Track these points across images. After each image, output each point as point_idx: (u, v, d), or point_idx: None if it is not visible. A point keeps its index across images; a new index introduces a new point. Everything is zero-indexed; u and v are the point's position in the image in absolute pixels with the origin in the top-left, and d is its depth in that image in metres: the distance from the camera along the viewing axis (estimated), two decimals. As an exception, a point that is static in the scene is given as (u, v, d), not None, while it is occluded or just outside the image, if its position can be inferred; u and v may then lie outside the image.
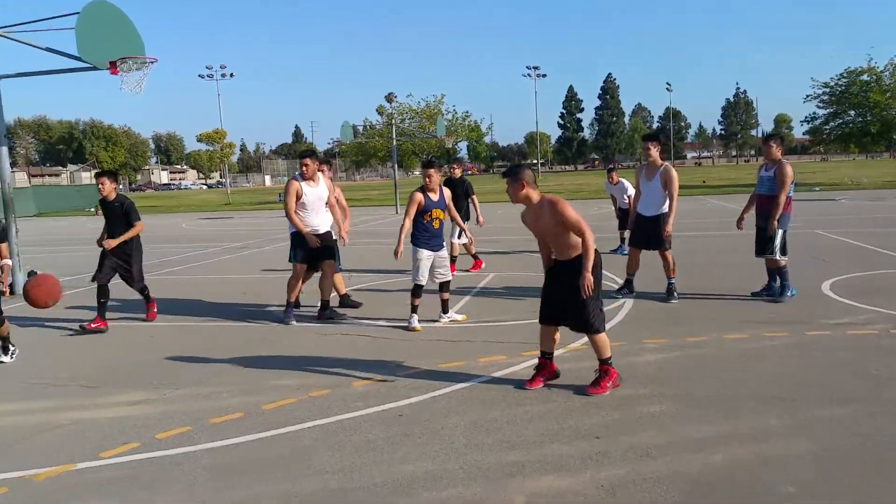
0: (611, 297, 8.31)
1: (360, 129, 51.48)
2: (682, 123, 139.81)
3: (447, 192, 7.68)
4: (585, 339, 5.77)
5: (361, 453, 4.18)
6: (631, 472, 3.77)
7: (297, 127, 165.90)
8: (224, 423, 4.79)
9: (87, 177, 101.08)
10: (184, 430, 4.70)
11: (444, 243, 7.66)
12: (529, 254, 13.35)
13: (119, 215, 8.09)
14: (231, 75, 59.29)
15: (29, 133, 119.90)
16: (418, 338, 6.99)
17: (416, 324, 7.40)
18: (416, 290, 7.47)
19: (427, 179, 7.48)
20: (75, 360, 6.72)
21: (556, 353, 5.60)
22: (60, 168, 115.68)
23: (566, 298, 5.16)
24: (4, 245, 6.96)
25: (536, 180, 5.36)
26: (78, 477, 4.03)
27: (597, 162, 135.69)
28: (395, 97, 50.44)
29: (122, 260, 8.12)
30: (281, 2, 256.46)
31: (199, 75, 58.82)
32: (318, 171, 8.14)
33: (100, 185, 8.14)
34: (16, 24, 10.82)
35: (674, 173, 8.27)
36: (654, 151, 8.36)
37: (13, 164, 13.49)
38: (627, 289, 8.64)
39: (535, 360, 5.54)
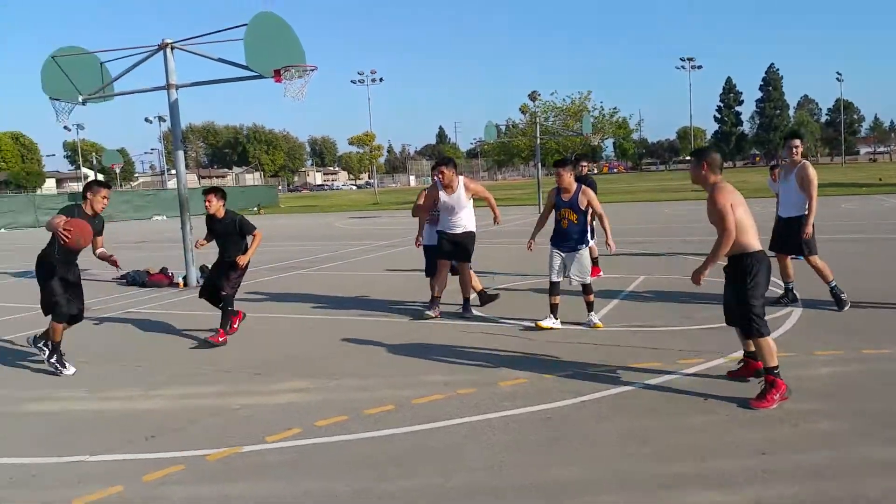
0: (775, 305, 7.80)
1: (503, 128, 51.64)
2: (855, 116, 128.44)
3: (587, 192, 7.48)
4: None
5: (511, 453, 4.20)
6: (800, 493, 3.53)
7: (440, 128, 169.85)
8: (378, 415, 4.97)
9: (250, 178, 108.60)
10: (341, 419, 4.92)
11: (580, 245, 7.44)
12: (684, 256, 12.84)
13: (233, 231, 7.63)
14: (380, 80, 61.47)
15: (199, 138, 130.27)
16: (566, 340, 6.92)
17: (548, 322, 7.36)
18: (550, 288, 7.47)
19: (556, 178, 7.44)
20: (243, 349, 7.21)
21: (717, 362, 5.37)
22: (226, 170, 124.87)
23: (729, 299, 5.05)
24: (101, 238, 6.98)
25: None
26: (245, 459, 4.32)
27: (758, 158, 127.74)
28: (539, 95, 50.17)
29: (233, 270, 7.59)
30: (427, 7, 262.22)
31: (352, 81, 61.53)
32: (455, 176, 8.28)
33: (206, 203, 7.67)
34: (190, 38, 11.82)
35: (811, 171, 7.73)
36: (800, 150, 7.93)
37: (185, 167, 15.05)
38: (788, 297, 8.09)
39: (694, 369, 5.45)
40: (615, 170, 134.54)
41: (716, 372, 5.58)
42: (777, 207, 8.44)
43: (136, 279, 12.37)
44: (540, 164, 34.30)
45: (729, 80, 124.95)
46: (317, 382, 5.87)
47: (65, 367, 6.49)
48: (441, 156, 9.79)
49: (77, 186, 72.30)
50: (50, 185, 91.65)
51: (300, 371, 6.25)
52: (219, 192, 7.81)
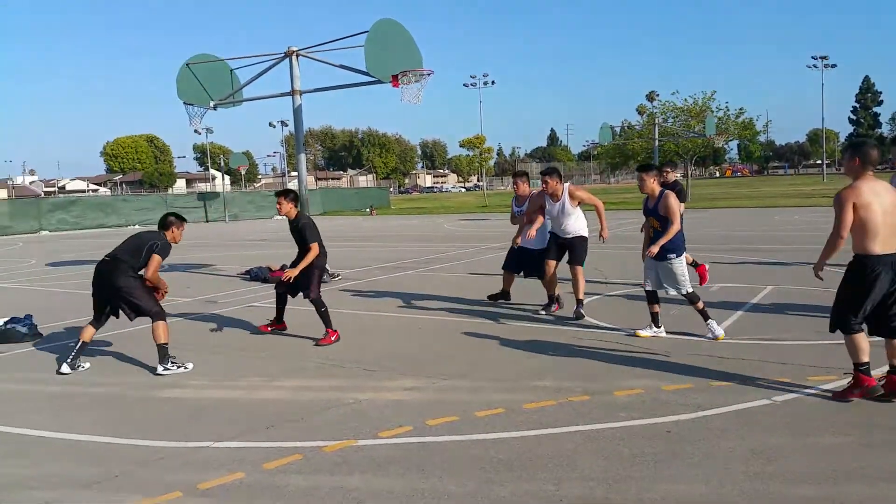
0: None
1: (618, 130, 50.54)
2: None
3: (669, 198, 6.99)
4: (887, 366, 5.09)
5: (627, 466, 4.05)
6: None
7: (552, 130, 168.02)
8: (488, 417, 4.93)
9: (363, 180, 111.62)
10: (452, 419, 4.93)
11: (669, 255, 7.01)
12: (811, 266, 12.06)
13: (300, 236, 7.56)
14: (492, 83, 61.59)
15: (317, 141, 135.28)
16: (686, 350, 6.63)
17: (647, 332, 7.20)
18: (647, 297, 7.28)
19: (639, 184, 7.24)
20: (355, 346, 7.37)
21: (850, 379, 4.99)
22: (341, 172, 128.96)
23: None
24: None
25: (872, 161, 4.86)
26: (359, 452, 4.40)
27: None
28: (658, 95, 48.70)
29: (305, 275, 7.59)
30: (538, 9, 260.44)
31: (464, 84, 61.99)
32: (559, 184, 8.51)
33: (277, 206, 7.73)
34: (314, 46, 12.27)
35: None
36: None
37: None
38: None
39: (825, 386, 5.15)
40: (739, 173, 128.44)
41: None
42: None
43: (259, 275, 12.95)
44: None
45: (867, 80, 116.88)
46: (427, 382, 5.91)
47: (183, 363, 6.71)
48: (547, 167, 9.87)
49: (205, 187, 76.77)
50: (180, 184, 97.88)
51: (410, 369, 6.32)
52: (289, 194, 7.77)
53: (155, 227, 7.22)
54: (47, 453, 4.62)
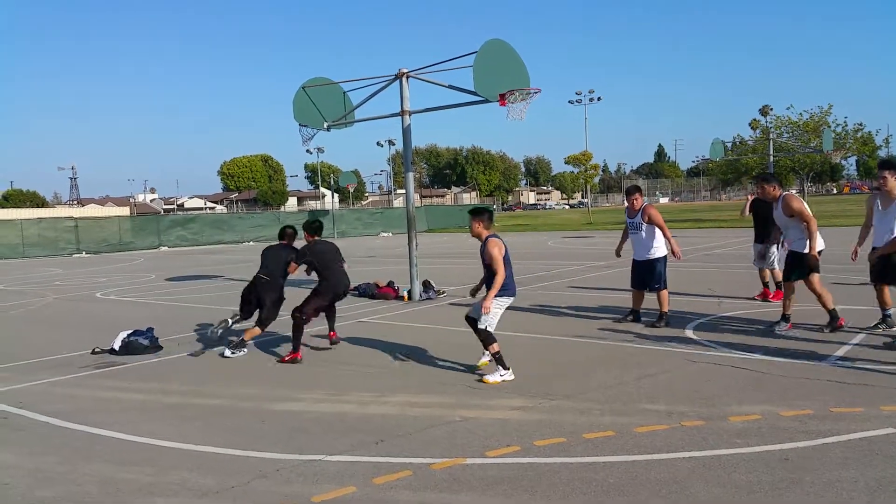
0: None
1: (729, 145, 48.74)
2: None
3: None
4: None
5: (743, 494, 3.92)
6: None
7: (660, 146, 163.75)
8: (597, 440, 4.90)
9: (467, 198, 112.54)
10: (560, 440, 4.92)
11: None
12: None
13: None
14: (598, 99, 60.80)
15: (422, 159, 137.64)
16: (802, 376, 6.34)
17: (492, 377, 6.61)
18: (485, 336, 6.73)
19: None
20: (463, 363, 7.43)
21: None
22: (445, 189, 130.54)
23: None
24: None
25: None
26: (468, 471, 4.46)
27: None
28: (772, 110, 46.75)
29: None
30: (644, 23, 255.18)
31: (569, 101, 61.47)
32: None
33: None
34: (424, 67, 12.58)
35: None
36: (893, 180, 7.74)
37: None
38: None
39: None
40: (858, 190, 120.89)
41: None
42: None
43: (366, 291, 13.31)
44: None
45: None
46: (533, 401, 5.92)
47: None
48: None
49: (315, 205, 79.66)
50: (292, 202, 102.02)
51: (518, 389, 6.34)
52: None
53: (274, 241, 9.02)
54: (167, 462, 4.87)
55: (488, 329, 6.67)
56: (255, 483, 4.43)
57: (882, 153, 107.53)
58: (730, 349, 7.50)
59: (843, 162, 64.77)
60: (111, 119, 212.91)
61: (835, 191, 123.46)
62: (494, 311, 6.67)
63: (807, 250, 8.05)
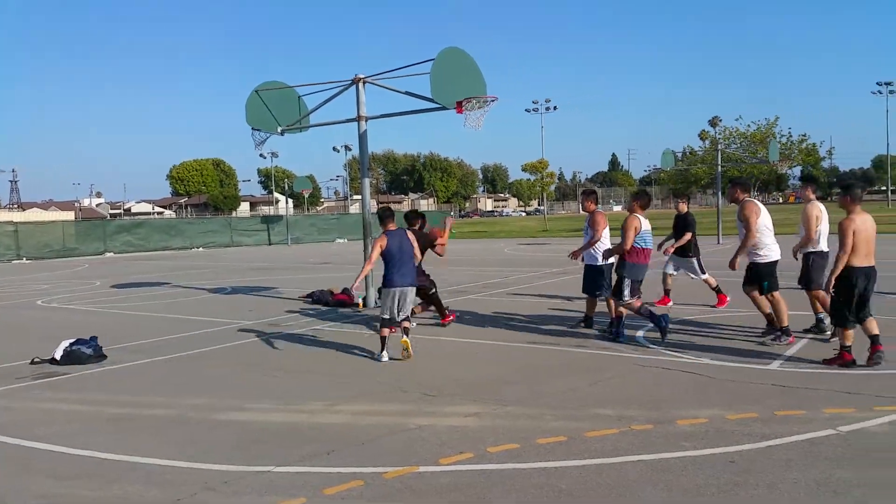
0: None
1: (680, 155, 49.78)
2: None
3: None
4: None
5: (691, 497, 3.99)
6: None
7: (613, 155, 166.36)
8: (550, 445, 4.92)
9: (424, 204, 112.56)
10: (513, 446, 4.93)
11: None
12: (883, 294, 11.62)
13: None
14: (554, 108, 61.46)
15: (379, 165, 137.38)
16: (748, 380, 6.49)
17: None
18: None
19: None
20: (419, 371, 7.44)
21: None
22: (403, 196, 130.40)
23: None
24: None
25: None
26: (421, 479, 4.43)
27: None
28: (721, 121, 47.89)
29: None
30: (601, 35, 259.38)
31: (526, 109, 62.01)
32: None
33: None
34: (381, 73, 12.55)
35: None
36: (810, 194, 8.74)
37: None
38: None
39: (893, 417, 5.06)
40: (802, 199, 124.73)
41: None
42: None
43: (321, 298, 13.19)
44: (720, 193, 32.66)
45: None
46: (487, 408, 5.92)
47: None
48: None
49: (269, 210, 78.62)
50: (244, 207, 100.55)
51: (471, 395, 6.34)
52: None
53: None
54: (110, 476, 4.72)
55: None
56: (202, 496, 4.32)
57: (826, 164, 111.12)
58: (679, 354, 7.63)
59: (789, 172, 66.59)
60: (55, 120, 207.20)
61: (780, 200, 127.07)
62: (382, 300, 8.23)
63: (761, 261, 8.10)
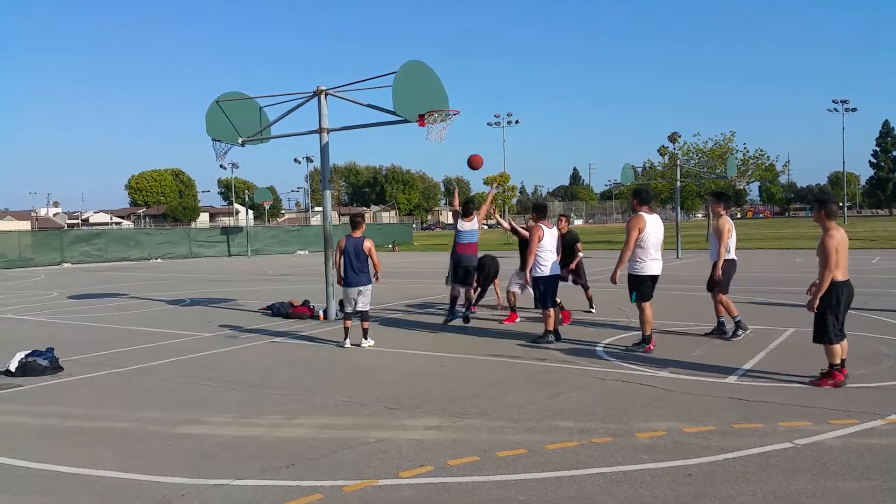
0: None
1: (640, 170, 50.56)
2: None
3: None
4: None
5: (648, 509, 4.03)
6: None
7: (574, 169, 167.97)
8: (510, 458, 4.93)
9: (386, 216, 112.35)
10: (473, 459, 4.93)
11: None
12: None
13: None
14: (516, 122, 62.17)
15: (341, 177, 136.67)
16: (706, 393, 6.60)
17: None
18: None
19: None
20: (380, 384, 7.40)
21: (873, 424, 5.00)
22: (365, 208, 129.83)
23: None
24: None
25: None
26: (380, 493, 4.40)
27: None
28: (679, 137, 48.86)
29: None
30: (563, 54, 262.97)
31: (488, 123, 62.66)
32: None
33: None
34: (343, 85, 12.52)
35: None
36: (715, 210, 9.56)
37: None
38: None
39: (847, 430, 5.18)
40: (761, 214, 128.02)
41: (872, 435, 5.15)
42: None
43: (280, 310, 13.04)
44: (679, 208, 33.26)
45: (886, 124, 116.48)
46: (448, 421, 5.91)
47: None
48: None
49: (229, 221, 77.58)
50: (203, 218, 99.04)
51: (433, 408, 6.32)
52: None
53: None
54: (65, 490, 4.61)
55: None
56: (158, 511, 4.23)
57: (783, 180, 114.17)
58: (638, 367, 7.72)
59: (747, 188, 68.17)
60: (10, 128, 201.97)
61: (739, 215, 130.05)
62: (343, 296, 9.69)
63: (635, 272, 8.68)
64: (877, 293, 14.18)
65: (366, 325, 9.60)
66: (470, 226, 11.19)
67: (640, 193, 8.90)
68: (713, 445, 5.07)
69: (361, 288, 9.50)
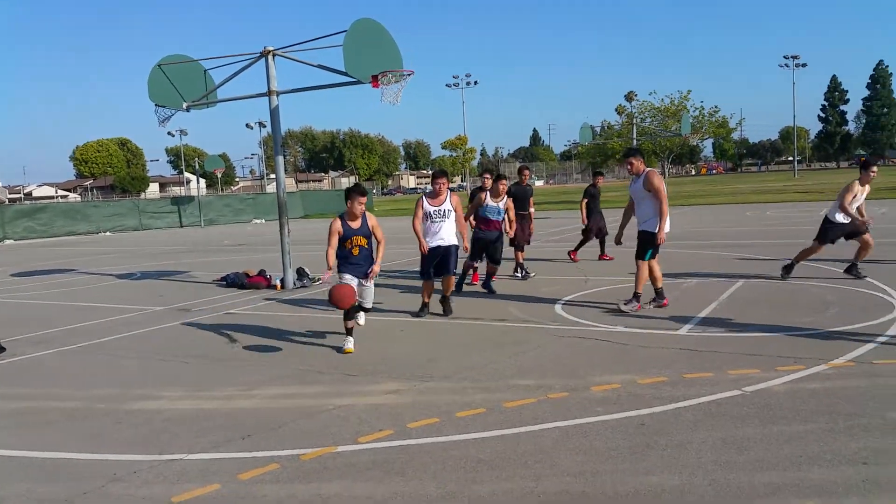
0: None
1: (598, 130, 50.82)
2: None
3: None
4: (851, 355, 5.42)
5: (603, 460, 4.10)
6: (912, 509, 3.30)
7: (534, 130, 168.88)
8: (469, 417, 4.96)
9: (346, 182, 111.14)
10: (433, 420, 4.95)
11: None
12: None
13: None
14: (475, 83, 61.64)
15: (297, 143, 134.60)
16: (659, 345, 6.72)
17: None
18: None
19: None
20: (339, 351, 7.34)
21: (817, 369, 5.17)
22: (323, 174, 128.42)
23: None
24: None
25: None
26: (339, 459, 4.39)
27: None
28: (636, 96, 49.09)
29: None
30: (522, 10, 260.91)
31: (446, 84, 62.04)
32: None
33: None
34: (291, 45, 12.20)
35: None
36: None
37: (284, 172, 15.71)
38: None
39: (793, 376, 5.33)
40: (714, 171, 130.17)
41: (816, 379, 5.32)
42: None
43: (236, 281, 12.84)
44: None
45: (834, 79, 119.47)
46: (409, 384, 5.92)
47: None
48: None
49: (180, 191, 75.94)
50: (153, 189, 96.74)
51: (393, 373, 6.32)
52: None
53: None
54: (11, 472, 4.49)
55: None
56: (110, 487, 4.15)
57: (736, 137, 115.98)
58: (595, 324, 7.82)
59: (701, 144, 69.14)
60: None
61: (693, 172, 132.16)
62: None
63: (656, 230, 8.18)
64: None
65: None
66: (500, 204, 10.47)
67: (641, 151, 8.88)
68: (665, 395, 5.17)
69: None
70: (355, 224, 7.31)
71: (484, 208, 10.41)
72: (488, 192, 10.50)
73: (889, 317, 7.31)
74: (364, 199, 7.32)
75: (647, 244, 8.29)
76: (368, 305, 7.51)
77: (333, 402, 5.56)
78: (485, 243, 10.44)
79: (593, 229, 13.74)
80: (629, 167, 8.47)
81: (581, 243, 13.92)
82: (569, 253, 13.87)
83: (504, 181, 10.59)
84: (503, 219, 10.61)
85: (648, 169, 8.38)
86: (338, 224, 7.28)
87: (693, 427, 4.53)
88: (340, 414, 5.25)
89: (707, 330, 7.24)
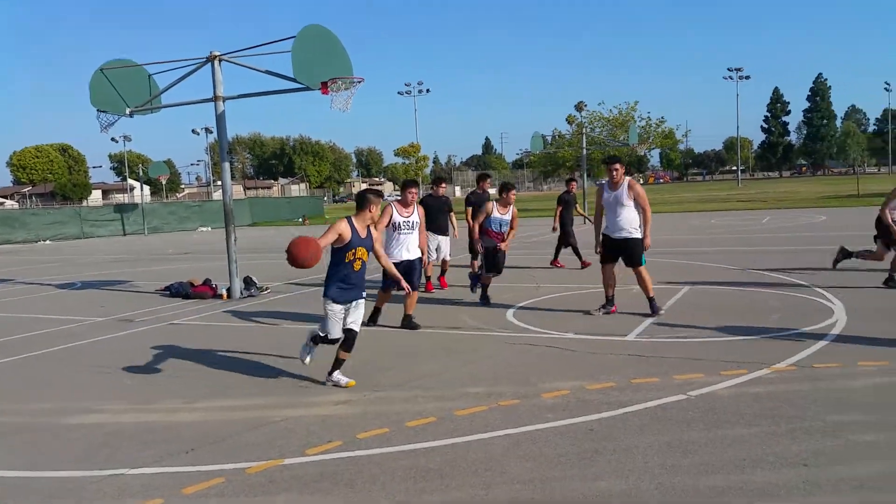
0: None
1: (549, 139, 51.36)
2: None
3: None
4: (793, 359, 5.56)
5: (553, 466, 4.11)
6: (847, 506, 3.40)
7: (486, 139, 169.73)
8: (420, 427, 4.93)
9: (296, 189, 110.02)
10: (383, 431, 4.89)
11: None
12: (727, 268, 12.56)
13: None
14: (427, 91, 61.82)
15: (245, 149, 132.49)
16: (607, 351, 6.80)
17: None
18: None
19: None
20: (286, 361, 7.19)
21: (760, 373, 5.28)
22: (272, 181, 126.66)
23: None
24: None
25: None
26: (285, 472, 4.30)
27: (804, 168, 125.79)
28: (586, 106, 49.85)
29: None
30: (475, 19, 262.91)
31: (399, 92, 62.08)
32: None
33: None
34: (238, 50, 12.01)
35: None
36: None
37: (231, 178, 15.42)
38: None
39: (737, 381, 5.43)
40: (661, 180, 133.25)
41: (759, 383, 5.45)
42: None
43: (180, 291, 12.52)
44: (586, 175, 34.06)
45: (776, 91, 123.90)
46: (359, 395, 5.85)
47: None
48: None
49: (123, 198, 73.94)
50: (96, 196, 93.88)
51: (342, 382, 6.23)
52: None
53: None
54: (-50, 489, 4.30)
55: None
56: (48, 506, 3.99)
57: (682, 147, 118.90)
58: (545, 331, 7.86)
59: (648, 154, 70.57)
60: None
61: (641, 181, 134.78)
62: None
63: (643, 237, 8.43)
64: (767, 251, 15.00)
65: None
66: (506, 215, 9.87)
67: (622, 159, 8.82)
68: (613, 401, 5.23)
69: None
70: (364, 232, 6.19)
71: (489, 220, 9.78)
72: (496, 203, 9.85)
73: (829, 321, 7.54)
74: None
75: (640, 249, 8.46)
76: (356, 329, 6.37)
77: (281, 413, 5.45)
78: (491, 252, 9.86)
79: (570, 233, 14.03)
80: (614, 173, 8.44)
81: (558, 249, 14.25)
82: (551, 263, 14.07)
83: (513, 191, 9.95)
84: (505, 231, 9.86)
85: (628, 178, 8.54)
86: (345, 225, 6.07)
87: (640, 432, 4.59)
88: (288, 426, 5.15)
89: (654, 335, 7.35)
